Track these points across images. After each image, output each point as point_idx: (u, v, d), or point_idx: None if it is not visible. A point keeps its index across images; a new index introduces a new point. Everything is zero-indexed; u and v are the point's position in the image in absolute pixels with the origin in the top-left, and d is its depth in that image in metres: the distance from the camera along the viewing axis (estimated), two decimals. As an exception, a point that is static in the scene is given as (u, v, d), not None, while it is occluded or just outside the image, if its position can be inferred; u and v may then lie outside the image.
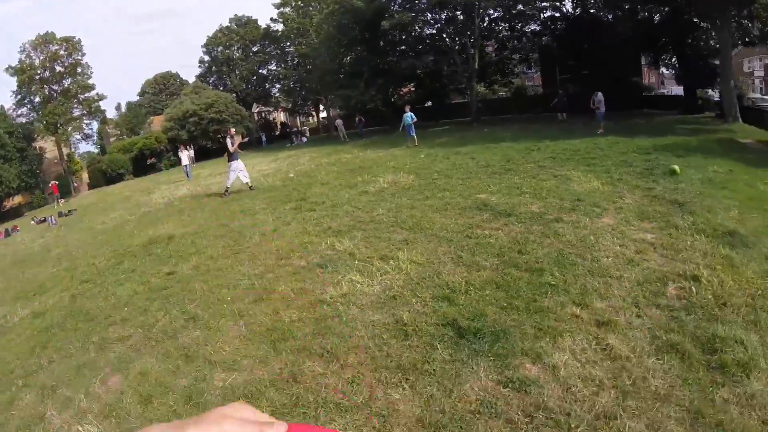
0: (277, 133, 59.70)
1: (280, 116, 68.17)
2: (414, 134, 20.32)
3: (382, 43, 36.45)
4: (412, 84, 41.25)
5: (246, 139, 54.30)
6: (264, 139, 48.21)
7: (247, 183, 14.99)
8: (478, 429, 3.12)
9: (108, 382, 4.76)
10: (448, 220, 7.59)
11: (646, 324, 4.01)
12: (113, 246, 11.50)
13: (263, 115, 65.34)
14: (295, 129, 56.33)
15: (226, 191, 14.88)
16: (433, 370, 3.75)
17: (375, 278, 5.65)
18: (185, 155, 25.12)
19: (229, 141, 14.71)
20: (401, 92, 42.09)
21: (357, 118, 38.70)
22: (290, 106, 57.44)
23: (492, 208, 7.83)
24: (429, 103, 41.78)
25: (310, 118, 63.00)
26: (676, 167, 9.04)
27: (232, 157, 14.68)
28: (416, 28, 35.57)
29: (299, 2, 48.79)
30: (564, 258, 5.45)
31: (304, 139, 41.63)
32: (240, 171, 14.78)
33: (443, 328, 4.29)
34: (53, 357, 5.75)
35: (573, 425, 3.04)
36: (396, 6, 34.12)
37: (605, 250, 5.56)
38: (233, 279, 6.68)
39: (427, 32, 36.19)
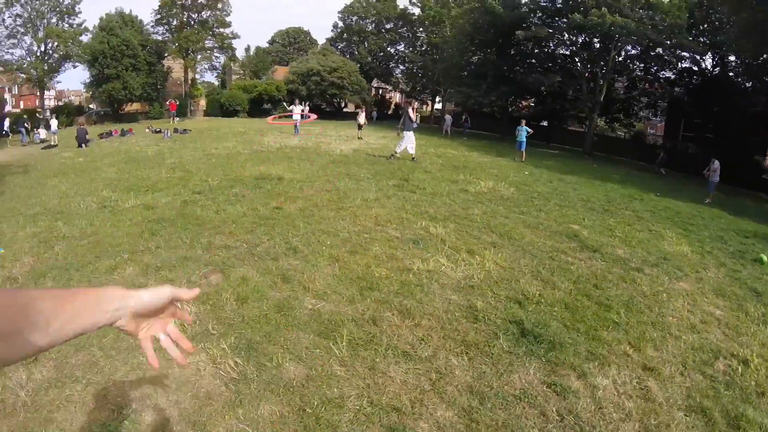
0: (390, 112, 60.83)
1: (396, 97, 69.34)
2: (524, 149, 20.52)
3: (513, 52, 36.38)
4: (533, 99, 40.88)
5: (366, 111, 56.17)
6: (375, 115, 49.33)
7: (411, 155, 16.03)
8: (516, 410, 3.67)
9: (210, 276, 5.63)
10: (537, 238, 7.99)
11: (686, 383, 4.30)
12: (225, 171, 12.67)
13: (380, 91, 66.80)
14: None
15: (393, 155, 16.15)
16: (492, 353, 4.33)
17: (459, 266, 6.23)
18: (298, 110, 26.24)
19: (410, 111, 15.96)
20: (520, 104, 41.84)
21: (464, 117, 38.95)
22: (409, 89, 58.25)
23: (581, 240, 8.13)
24: (545, 123, 41.29)
25: (425, 106, 63.63)
26: (765, 257, 8.90)
27: (407, 127, 15.86)
28: (550, 45, 35.25)
29: None
30: (633, 304, 5.76)
31: (415, 125, 42.43)
32: (411, 143, 15.86)
33: (509, 324, 4.82)
34: (161, 244, 6.68)
35: (596, 437, 3.51)
36: (535, 19, 33.89)
37: (673, 310, 5.80)
38: (334, 228, 7.51)
39: (560, 52, 35.70)
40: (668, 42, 28.85)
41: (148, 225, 7.70)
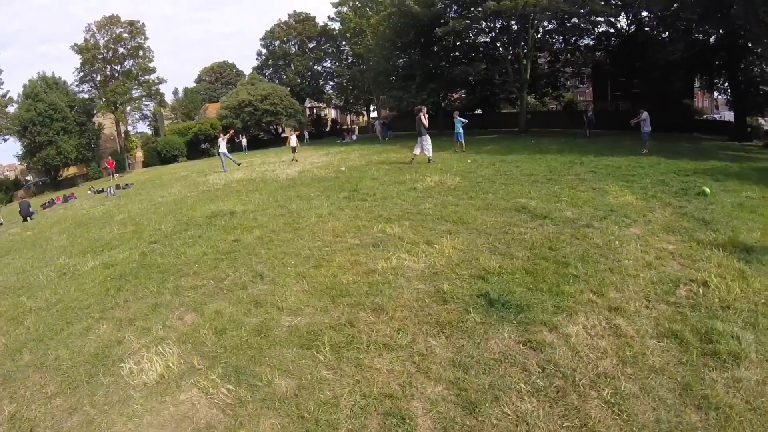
0: (327, 129, 60.98)
1: (331, 113, 69.63)
2: (462, 140, 21.02)
3: (435, 48, 37.12)
4: (463, 91, 41.82)
5: (297, 133, 56.01)
6: (307, 136, 49.21)
7: (429, 157, 16.84)
8: (499, 371, 3.90)
9: (184, 318, 5.66)
10: (489, 217, 8.34)
11: (652, 314, 4.64)
12: (176, 216, 12.49)
13: (314, 110, 66.93)
14: (345, 127, 57.62)
15: (412, 160, 17.26)
16: (466, 327, 4.57)
17: (420, 258, 6.47)
18: (224, 144, 25.69)
19: (422, 117, 16.79)
20: (452, 98, 42.73)
21: (381, 122, 40.02)
22: (342, 103, 58.65)
23: (530, 211, 8.52)
24: (479, 111, 42.29)
25: (360, 116, 64.14)
26: (707, 189, 9.48)
27: (422, 131, 16.77)
28: (470, 35, 36.03)
29: (357, 2, 50.09)
30: (588, 256, 6.10)
31: (354, 137, 42.87)
32: (427, 145, 16.93)
33: (477, 299, 5.09)
34: (128, 297, 6.65)
35: (577, 378, 3.75)
36: (452, 13, 34.77)
37: (627, 254, 6.16)
38: (295, 248, 7.63)
39: (481, 40, 36.55)
40: (582, 11, 29.96)
41: (112, 282, 7.61)
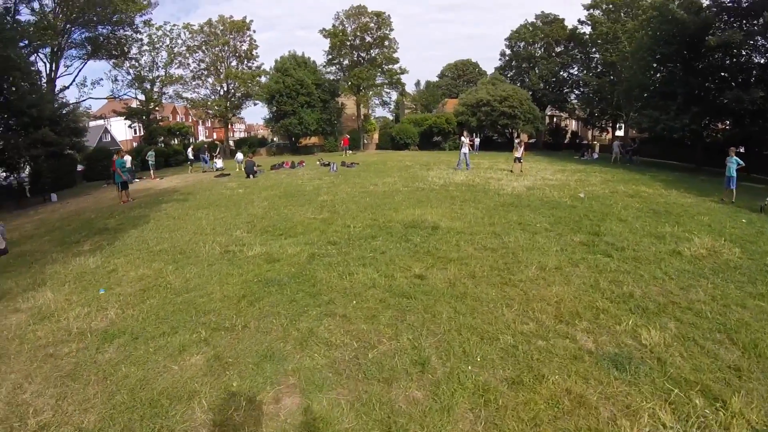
0: (566, 141, 56.35)
1: (572, 125, 64.44)
2: (734, 187, 15.87)
3: (700, 65, 29.65)
4: (729, 121, 33.27)
5: (533, 140, 52.68)
6: (477, 142, 45.93)
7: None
8: None
9: (280, 401, 4.07)
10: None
11: None
12: (374, 215, 11.46)
13: (554, 119, 62.66)
14: (586, 142, 52.45)
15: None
16: None
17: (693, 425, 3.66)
18: (467, 144, 24.09)
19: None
20: (715, 128, 34.44)
21: (631, 141, 34.14)
22: (585, 116, 53.29)
23: None
24: (741, 149, 33.08)
25: (604, 133, 57.92)
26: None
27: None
28: (742, 53, 28.22)
29: (611, 6, 44.59)
30: None
31: (595, 155, 37.81)
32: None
33: None
34: (252, 321, 5.61)
35: None
36: (720, 24, 27.88)
37: None
38: (492, 325, 5.33)
39: (756, 61, 28.20)
40: None
41: (255, 287, 6.71)
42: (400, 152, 44.14)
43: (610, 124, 52.65)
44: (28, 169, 27.12)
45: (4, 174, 27.16)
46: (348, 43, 48.73)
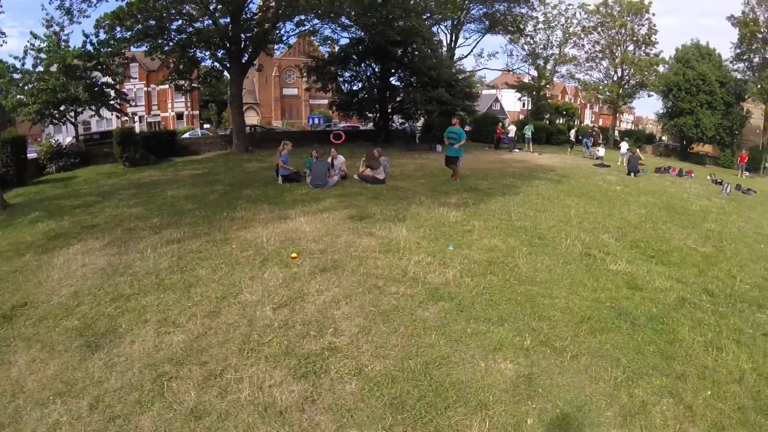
0: None
1: None
2: None
3: None
4: None
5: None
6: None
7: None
8: None
9: None
10: None
11: None
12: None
13: None
14: None
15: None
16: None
17: None
18: None
19: None
20: None
21: None
22: None
23: None
24: None
25: None
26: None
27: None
28: None
29: None
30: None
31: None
32: None
33: None
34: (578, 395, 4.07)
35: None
36: None
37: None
38: None
39: None
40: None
41: (605, 312, 5.40)
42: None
43: None
44: (421, 120, 32.79)
45: (402, 121, 33.83)
46: (760, 36, 39.15)
